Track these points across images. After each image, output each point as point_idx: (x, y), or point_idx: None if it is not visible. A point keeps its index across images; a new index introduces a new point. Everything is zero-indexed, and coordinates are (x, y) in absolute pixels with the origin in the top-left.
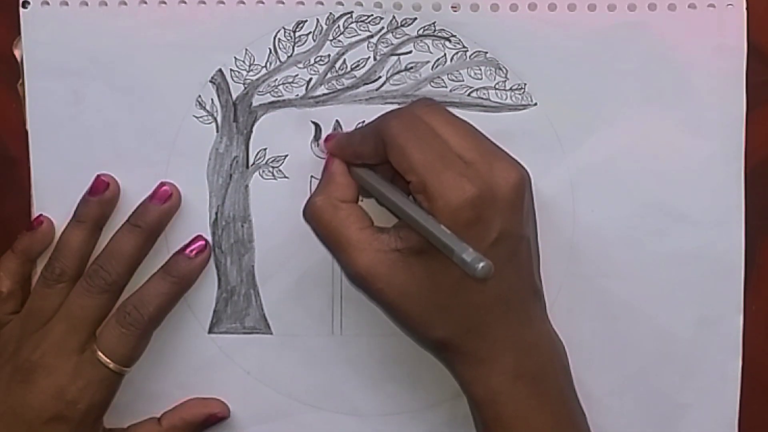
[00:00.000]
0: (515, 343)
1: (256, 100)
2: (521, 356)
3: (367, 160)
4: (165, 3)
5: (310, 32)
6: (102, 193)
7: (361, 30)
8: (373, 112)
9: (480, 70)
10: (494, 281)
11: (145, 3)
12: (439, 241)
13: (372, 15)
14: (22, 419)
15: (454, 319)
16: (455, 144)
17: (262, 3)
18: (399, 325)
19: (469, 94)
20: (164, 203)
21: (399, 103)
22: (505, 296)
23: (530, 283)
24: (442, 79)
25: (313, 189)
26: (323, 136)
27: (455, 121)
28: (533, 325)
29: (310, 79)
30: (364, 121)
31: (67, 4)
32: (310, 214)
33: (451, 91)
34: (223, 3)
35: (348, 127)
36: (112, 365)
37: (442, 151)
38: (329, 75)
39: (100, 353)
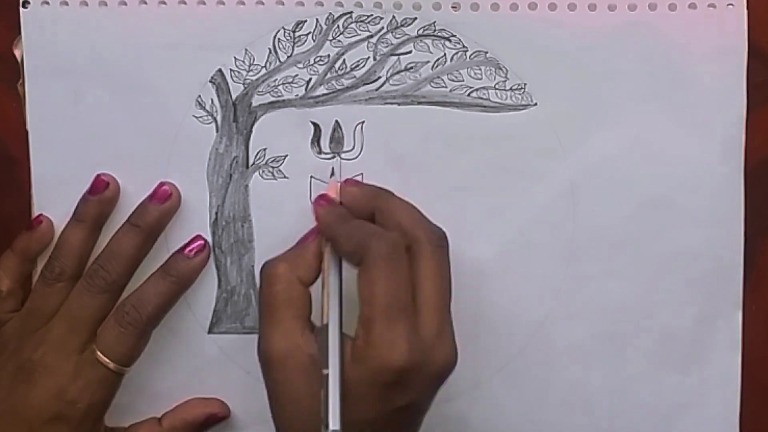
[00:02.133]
0: None
1: (256, 100)
2: None
3: (338, 253)
4: (165, 3)
5: (309, 32)
6: (102, 193)
7: (360, 30)
8: (373, 112)
9: (480, 70)
10: None
11: (145, 3)
12: (325, 400)
13: (372, 15)
14: (23, 418)
15: None
16: (425, 297)
17: (262, 3)
18: (274, 417)
19: (469, 94)
20: (164, 203)
21: (399, 104)
22: None
23: None
24: (442, 79)
25: (313, 189)
26: (335, 189)
27: (440, 277)
28: None
29: (310, 79)
30: (363, 122)
31: (67, 4)
32: (266, 275)
33: (451, 91)
34: (222, 3)
35: (348, 128)
36: (111, 365)
37: (405, 303)
38: (329, 75)
39: (99, 353)
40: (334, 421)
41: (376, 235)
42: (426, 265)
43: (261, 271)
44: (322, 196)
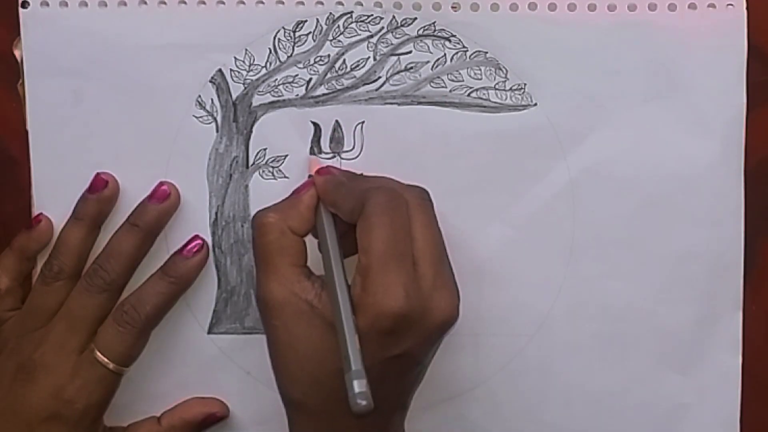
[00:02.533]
0: None
1: (256, 100)
2: None
3: (341, 215)
4: (165, 3)
5: (309, 32)
6: (101, 191)
7: (361, 30)
8: (372, 112)
9: (480, 70)
10: (372, 389)
11: (145, 3)
12: (344, 345)
13: (372, 15)
14: (21, 417)
15: (318, 394)
16: (419, 249)
17: (262, 3)
18: (272, 363)
19: (469, 94)
20: (163, 203)
21: (399, 104)
22: (374, 402)
23: (403, 400)
24: (442, 79)
25: None
26: (315, 161)
27: (432, 228)
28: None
29: (310, 79)
30: (363, 122)
31: (66, 4)
32: (258, 225)
33: (451, 91)
34: (222, 3)
35: (348, 128)
36: (110, 365)
37: (402, 251)
38: (329, 75)
39: (98, 352)
40: (355, 362)
41: (373, 188)
42: (417, 218)
43: (252, 221)
44: (320, 169)
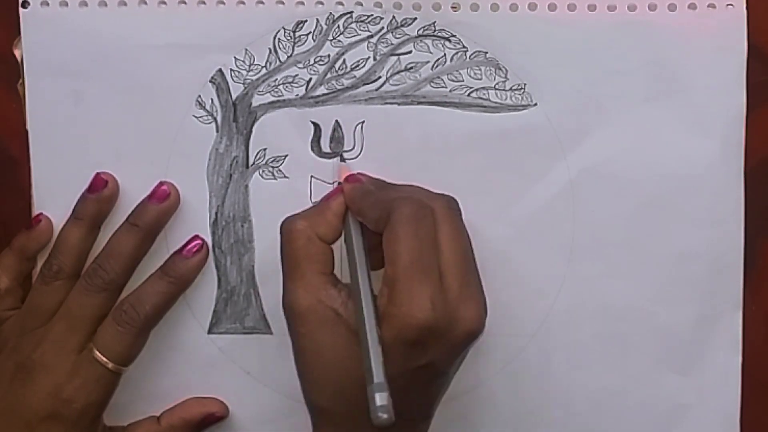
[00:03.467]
0: None
1: (256, 100)
2: None
3: (366, 223)
4: (165, 3)
5: (309, 32)
6: (100, 191)
7: (361, 30)
8: (372, 112)
9: (480, 70)
10: (396, 399)
11: (145, 3)
12: (366, 356)
13: (372, 15)
14: (19, 417)
15: (342, 401)
16: (446, 261)
17: (262, 3)
18: (297, 370)
19: (469, 94)
20: (162, 203)
21: (399, 104)
22: (398, 412)
23: (427, 410)
24: (442, 79)
25: (313, 189)
26: (345, 169)
27: (459, 238)
28: None
29: (310, 79)
30: (363, 122)
31: (66, 4)
32: (287, 231)
33: (451, 91)
34: (222, 3)
35: (348, 128)
36: (109, 364)
37: (428, 263)
38: (329, 75)
39: (97, 352)
40: (377, 374)
41: (399, 198)
42: (443, 228)
43: (281, 228)
44: (350, 177)
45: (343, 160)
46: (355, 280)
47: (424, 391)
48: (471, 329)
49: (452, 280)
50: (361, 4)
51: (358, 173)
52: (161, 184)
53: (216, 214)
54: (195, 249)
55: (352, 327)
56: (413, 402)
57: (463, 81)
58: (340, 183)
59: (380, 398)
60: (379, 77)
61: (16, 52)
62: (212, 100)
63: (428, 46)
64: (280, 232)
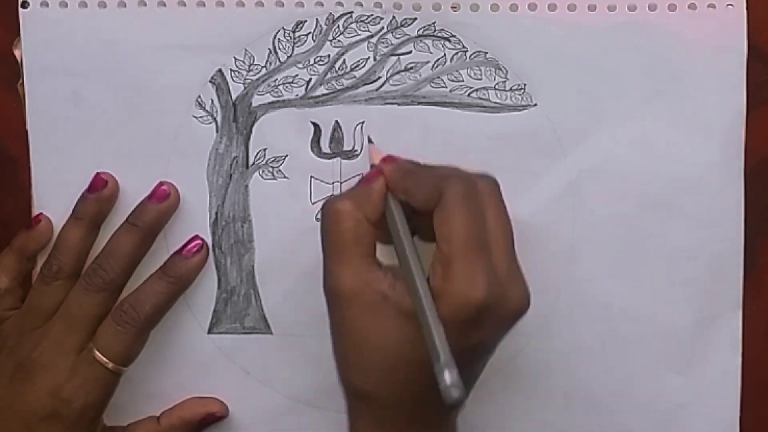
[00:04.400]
0: (425, 428)
1: (256, 101)
2: None
3: (413, 202)
4: (164, 5)
5: (309, 32)
6: (100, 191)
7: (360, 30)
8: (372, 112)
9: (480, 70)
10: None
11: (145, 5)
12: (430, 335)
13: (372, 15)
14: (19, 416)
15: (390, 386)
16: (494, 239)
17: (262, 5)
18: (337, 353)
19: (469, 95)
20: (162, 203)
21: (399, 104)
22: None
23: (467, 390)
24: (442, 80)
25: (313, 190)
26: (376, 150)
27: (504, 216)
28: (447, 421)
29: (310, 79)
30: (363, 122)
31: (66, 5)
32: (332, 212)
33: (451, 91)
34: (222, 5)
35: (348, 128)
36: (109, 364)
37: (483, 238)
38: (329, 75)
39: (96, 352)
40: (444, 352)
41: (449, 176)
42: (490, 207)
43: (324, 208)
44: (386, 158)
45: (346, 158)
46: (405, 259)
47: (470, 370)
48: (519, 307)
49: (501, 257)
50: (361, 5)
51: (391, 155)
52: (161, 184)
53: (216, 214)
54: (195, 249)
55: (402, 308)
56: None
57: (463, 81)
58: (374, 165)
59: (449, 376)
60: (379, 77)
61: (16, 52)
62: (212, 100)
63: (428, 47)
64: (324, 214)
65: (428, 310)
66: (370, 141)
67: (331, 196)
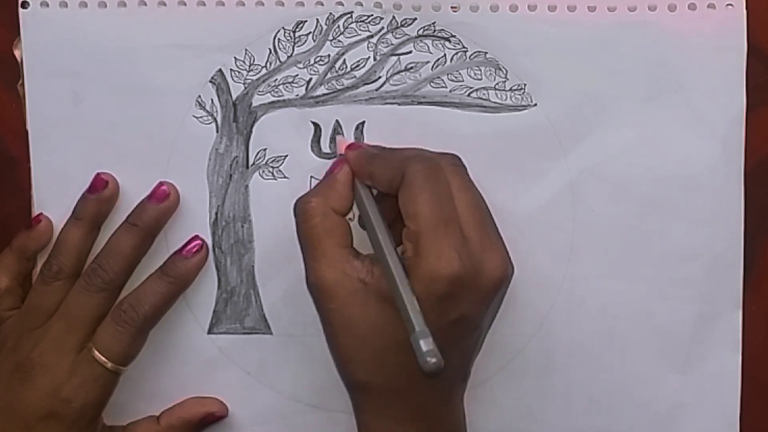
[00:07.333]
0: (428, 412)
1: (256, 100)
2: (429, 426)
3: (378, 186)
4: (165, 4)
5: (310, 32)
6: (101, 191)
7: (361, 30)
8: (373, 112)
9: (480, 70)
10: None
11: (145, 4)
12: (404, 308)
13: (372, 15)
14: (18, 416)
15: (382, 372)
16: (462, 213)
17: (262, 4)
18: (331, 348)
19: (468, 95)
20: (162, 203)
21: (399, 104)
22: None
23: (464, 369)
24: (442, 80)
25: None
26: (343, 140)
27: (470, 190)
28: (450, 403)
29: (310, 79)
30: (364, 122)
31: (66, 5)
32: (301, 211)
33: (451, 91)
34: (222, 4)
35: (348, 128)
36: (108, 364)
37: (449, 215)
38: (329, 75)
39: (96, 351)
40: (418, 323)
41: (410, 157)
42: (453, 182)
43: (295, 208)
44: (350, 146)
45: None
46: (377, 241)
47: (460, 346)
48: (497, 277)
49: (472, 231)
50: (361, 5)
51: (356, 141)
52: (161, 184)
53: (216, 214)
54: (195, 249)
55: (382, 293)
56: (450, 359)
57: (463, 81)
58: (341, 155)
59: (425, 344)
60: (379, 77)
61: (16, 53)
62: (212, 100)
63: (428, 47)
64: (294, 213)
65: (400, 285)
66: (338, 132)
67: None
